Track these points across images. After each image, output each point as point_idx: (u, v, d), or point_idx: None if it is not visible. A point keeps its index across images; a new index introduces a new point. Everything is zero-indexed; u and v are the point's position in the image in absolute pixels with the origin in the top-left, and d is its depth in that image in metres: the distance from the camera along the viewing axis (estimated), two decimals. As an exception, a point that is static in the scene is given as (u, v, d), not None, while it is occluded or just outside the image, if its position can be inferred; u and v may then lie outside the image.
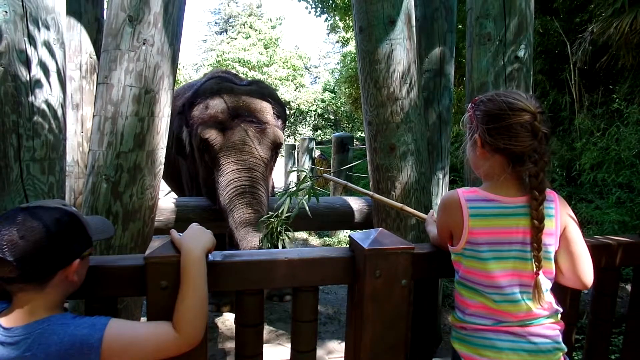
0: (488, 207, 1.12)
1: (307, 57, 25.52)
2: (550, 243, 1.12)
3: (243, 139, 2.59)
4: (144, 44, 2.01)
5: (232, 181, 2.50)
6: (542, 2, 6.73)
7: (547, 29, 6.90)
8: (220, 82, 2.94)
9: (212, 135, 2.59)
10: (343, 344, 2.85)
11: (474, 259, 1.12)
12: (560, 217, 1.14)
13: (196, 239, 1.04)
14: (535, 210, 1.08)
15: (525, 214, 1.11)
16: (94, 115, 2.10)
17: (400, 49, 2.41)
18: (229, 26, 27.69)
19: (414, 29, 2.53)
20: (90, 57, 2.60)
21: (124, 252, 2.03)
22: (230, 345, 2.98)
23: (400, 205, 1.53)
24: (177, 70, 2.29)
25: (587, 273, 1.14)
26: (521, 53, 2.42)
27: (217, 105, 2.72)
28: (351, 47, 16.92)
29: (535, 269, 1.09)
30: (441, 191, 3.35)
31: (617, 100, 5.70)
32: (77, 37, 2.56)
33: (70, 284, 0.99)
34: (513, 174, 1.12)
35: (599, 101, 6.05)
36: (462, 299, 1.18)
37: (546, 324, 1.14)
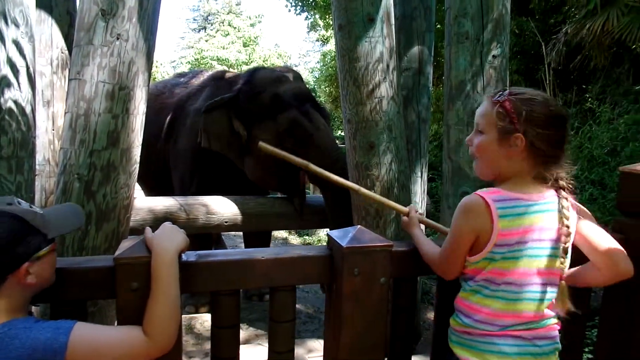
0: (515, 205, 1.08)
1: (287, 56, 25.40)
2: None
3: (323, 122, 2.99)
4: (117, 39, 1.96)
5: (332, 155, 2.83)
6: (518, 3, 6.85)
7: (523, 29, 7.03)
8: (274, 72, 3.25)
9: (300, 119, 2.90)
10: (323, 343, 2.85)
11: (505, 260, 1.08)
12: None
13: (168, 239, 1.00)
14: (567, 210, 1.08)
15: (546, 210, 1.10)
16: (65, 112, 2.04)
17: (380, 47, 2.41)
18: (208, 23, 27.34)
19: (393, 27, 2.53)
20: (62, 52, 2.52)
21: (97, 253, 1.98)
22: (209, 345, 2.94)
23: (385, 200, 1.43)
24: (154, 67, 2.24)
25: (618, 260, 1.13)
26: (498, 52, 2.45)
27: (287, 92, 3.00)
28: (331, 45, 16.94)
29: (562, 271, 1.09)
30: (420, 189, 3.37)
31: (589, 99, 5.85)
32: (47, 31, 2.47)
33: (28, 287, 0.93)
34: (536, 175, 1.12)
35: (572, 100, 6.19)
36: (470, 305, 1.13)
37: (550, 325, 1.13)
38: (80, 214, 1.07)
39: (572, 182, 1.11)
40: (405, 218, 1.36)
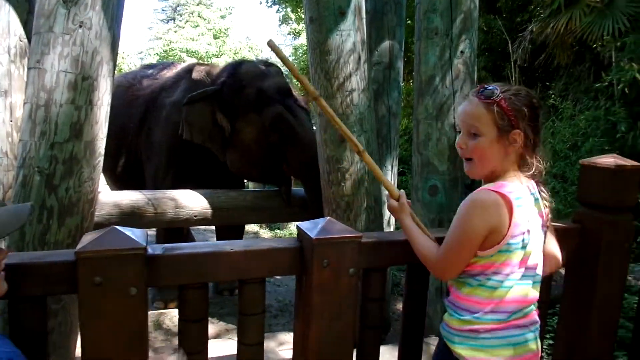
0: (520, 197, 1.11)
1: (258, 49, 25.13)
2: None
3: (305, 118, 3.06)
4: (80, 26, 1.89)
5: (314, 150, 2.76)
6: (486, 1, 7.00)
7: (491, 27, 7.18)
8: (256, 66, 3.28)
9: (285, 114, 2.95)
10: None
11: (517, 250, 1.11)
12: None
13: None
14: (547, 194, 1.16)
15: (535, 199, 1.17)
16: (24, 103, 1.96)
17: (351, 41, 2.41)
18: (177, 14, 26.69)
19: (364, 21, 2.54)
20: (20, 40, 2.41)
21: (60, 248, 1.92)
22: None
23: (382, 175, 1.33)
24: (121, 59, 2.18)
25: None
26: (466, 48, 2.49)
27: (270, 87, 3.04)
28: (303, 39, 16.86)
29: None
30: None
31: (552, 96, 6.04)
32: (4, 17, 2.35)
33: None
34: (521, 164, 1.16)
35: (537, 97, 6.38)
36: (478, 300, 1.13)
37: (534, 309, 1.19)
38: (19, 214, 0.93)
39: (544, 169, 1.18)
40: (393, 202, 1.27)
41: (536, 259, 1.16)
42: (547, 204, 1.18)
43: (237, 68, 3.23)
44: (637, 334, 1.66)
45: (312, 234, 1.08)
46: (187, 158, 3.26)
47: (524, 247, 1.12)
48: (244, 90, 3.05)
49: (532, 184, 1.17)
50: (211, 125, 3.08)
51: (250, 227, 6.22)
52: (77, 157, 1.94)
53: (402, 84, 3.51)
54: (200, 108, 3.05)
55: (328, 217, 1.15)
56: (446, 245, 1.14)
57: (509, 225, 1.08)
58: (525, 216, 1.11)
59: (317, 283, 1.08)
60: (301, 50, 15.22)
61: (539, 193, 1.18)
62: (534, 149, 1.15)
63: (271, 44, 1.19)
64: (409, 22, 6.75)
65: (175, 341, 2.94)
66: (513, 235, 1.09)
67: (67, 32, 1.87)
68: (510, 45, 6.33)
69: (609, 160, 1.49)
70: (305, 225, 1.14)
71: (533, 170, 1.15)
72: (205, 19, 23.69)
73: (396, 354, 1.42)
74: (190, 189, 3.00)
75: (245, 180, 3.96)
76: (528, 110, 1.11)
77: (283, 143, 3.00)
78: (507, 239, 1.09)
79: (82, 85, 1.92)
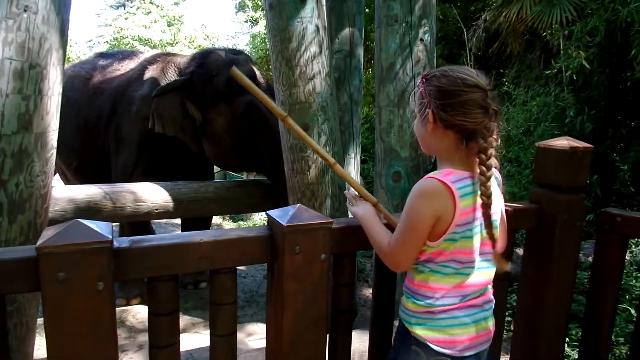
0: (469, 184, 1.10)
1: (214, 37, 24.50)
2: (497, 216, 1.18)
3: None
4: (25, 10, 1.77)
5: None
6: (441, -10, 7.12)
7: (447, 15, 7.34)
8: (225, 54, 3.22)
9: (256, 103, 2.92)
10: (263, 326, 2.86)
11: (466, 239, 1.11)
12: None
13: None
14: (483, 187, 1.08)
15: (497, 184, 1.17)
16: (-35, 93, 1.82)
17: (312, 28, 2.40)
18: (127, 0, 25.63)
19: (325, 8, 2.53)
20: (-42, 26, 2.24)
21: (12, 246, 1.81)
22: (142, 338, 2.84)
23: (357, 183, 1.32)
24: (68, 47, 2.07)
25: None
26: (426, 34, 2.53)
27: None
28: (260, 27, 16.58)
29: (492, 243, 1.14)
30: (353, 170, 3.44)
31: (506, 83, 6.26)
32: (-62, 0, 2.18)
33: None
34: (469, 150, 1.11)
35: (491, 84, 6.60)
36: (430, 286, 1.15)
37: (490, 288, 1.22)
38: None
39: (492, 161, 1.10)
40: (368, 207, 1.25)
41: (488, 245, 1.16)
42: (485, 199, 1.13)
43: (206, 57, 3.19)
44: (589, 308, 1.76)
45: (283, 221, 1.07)
46: (157, 151, 3.20)
47: (475, 234, 1.12)
48: (214, 79, 3.03)
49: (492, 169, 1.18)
50: (182, 117, 3.04)
51: (213, 219, 6.13)
52: (27, 150, 1.83)
53: (362, 71, 3.53)
54: (171, 99, 2.99)
55: (298, 205, 1.15)
56: (396, 235, 1.15)
57: (453, 214, 1.08)
58: (474, 204, 1.11)
59: (290, 270, 1.08)
60: (259, 39, 14.97)
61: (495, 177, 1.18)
62: (454, 131, 1.10)
63: (234, 72, 1.26)
64: (366, 10, 6.78)
65: (140, 338, 2.87)
66: (458, 225, 1.09)
67: (11, 17, 1.76)
68: (465, 33, 6.49)
69: (563, 142, 1.56)
70: (275, 212, 1.13)
71: (466, 157, 1.12)
72: (157, 6, 22.83)
73: (367, 338, 1.44)
74: (159, 181, 2.94)
75: (215, 171, 3.92)
76: (440, 92, 1.10)
77: (255, 131, 3.00)
78: (452, 228, 1.09)
79: (29, 74, 1.81)
